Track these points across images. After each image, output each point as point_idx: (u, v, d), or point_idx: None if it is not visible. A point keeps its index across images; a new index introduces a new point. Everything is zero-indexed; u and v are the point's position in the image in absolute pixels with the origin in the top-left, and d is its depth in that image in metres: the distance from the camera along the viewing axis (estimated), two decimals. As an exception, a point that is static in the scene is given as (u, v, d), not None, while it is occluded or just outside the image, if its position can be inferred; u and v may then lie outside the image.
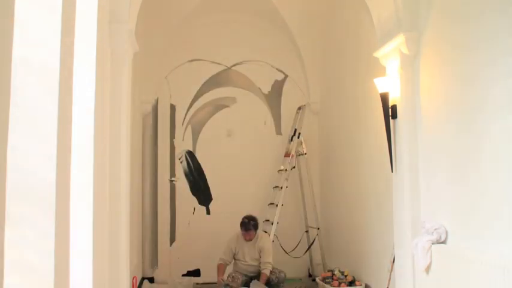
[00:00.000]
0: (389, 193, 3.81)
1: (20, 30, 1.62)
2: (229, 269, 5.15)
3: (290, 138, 5.95)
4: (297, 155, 5.98)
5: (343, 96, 5.46)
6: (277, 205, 5.65)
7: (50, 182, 1.65)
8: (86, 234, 2.47)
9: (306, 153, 5.96)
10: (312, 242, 5.93)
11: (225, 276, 4.96)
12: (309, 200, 6.12)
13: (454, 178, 3.00)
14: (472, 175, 2.80)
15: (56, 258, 1.65)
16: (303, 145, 5.93)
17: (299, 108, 6.14)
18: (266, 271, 4.86)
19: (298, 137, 5.92)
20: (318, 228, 5.83)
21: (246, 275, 5.02)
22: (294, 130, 5.99)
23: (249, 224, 4.99)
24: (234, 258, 5.10)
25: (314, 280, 5.62)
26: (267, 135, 6.43)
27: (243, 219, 5.06)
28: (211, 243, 5.92)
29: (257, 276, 4.95)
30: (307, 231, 6.00)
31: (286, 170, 5.82)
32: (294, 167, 5.97)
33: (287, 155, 5.87)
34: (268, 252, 4.98)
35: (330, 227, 5.97)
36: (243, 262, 5.05)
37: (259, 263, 4.96)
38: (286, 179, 5.77)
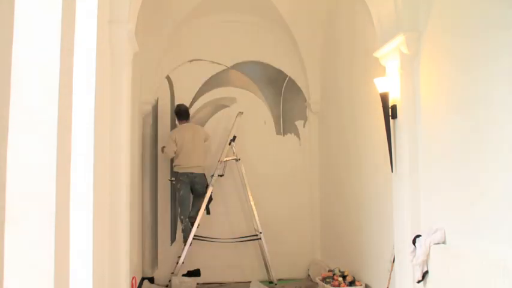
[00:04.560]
0: (389, 193, 3.81)
1: (20, 30, 1.62)
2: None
3: (229, 143, 5.93)
4: (235, 161, 5.92)
5: (343, 96, 5.46)
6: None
7: (50, 182, 1.65)
8: (86, 234, 2.47)
9: (239, 159, 5.89)
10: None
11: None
12: (246, 206, 6.04)
13: (454, 178, 3.00)
14: (472, 175, 2.80)
15: (56, 258, 1.65)
16: (233, 149, 5.87)
17: (241, 113, 6.04)
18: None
19: (230, 143, 5.88)
20: (260, 233, 5.80)
21: None
22: (233, 135, 5.92)
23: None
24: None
25: (271, 282, 5.72)
26: (267, 135, 6.43)
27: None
28: (212, 243, 5.93)
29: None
30: (256, 235, 5.88)
31: (212, 175, 5.83)
32: (222, 175, 5.91)
33: (220, 161, 5.87)
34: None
35: (330, 227, 5.97)
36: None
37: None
38: (212, 185, 5.78)
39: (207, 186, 5.82)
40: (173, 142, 5.72)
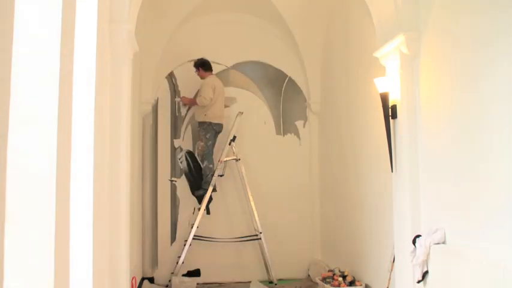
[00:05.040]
0: (389, 193, 3.81)
1: (20, 31, 1.62)
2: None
3: (229, 143, 5.93)
4: (235, 161, 5.92)
5: (343, 96, 5.46)
6: (198, 208, 5.83)
7: (50, 182, 1.65)
8: (86, 234, 2.48)
9: (239, 159, 5.89)
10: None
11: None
12: (246, 206, 6.03)
13: (454, 178, 3.00)
14: (472, 175, 2.80)
15: (56, 258, 1.65)
16: (234, 150, 5.88)
17: (241, 113, 6.05)
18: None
19: (230, 143, 5.88)
20: (260, 232, 5.80)
21: None
22: (233, 135, 5.92)
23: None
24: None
25: (271, 282, 5.74)
26: (267, 135, 6.43)
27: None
28: (212, 243, 5.93)
29: None
30: (256, 235, 5.88)
31: (212, 175, 5.82)
32: (222, 175, 5.91)
33: (220, 161, 5.87)
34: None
35: (330, 227, 5.98)
36: None
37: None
38: (212, 185, 5.78)
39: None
40: (212, 89, 5.71)
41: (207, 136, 5.81)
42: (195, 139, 6.25)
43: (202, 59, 5.94)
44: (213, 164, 5.90)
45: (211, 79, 5.84)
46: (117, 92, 3.24)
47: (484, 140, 2.67)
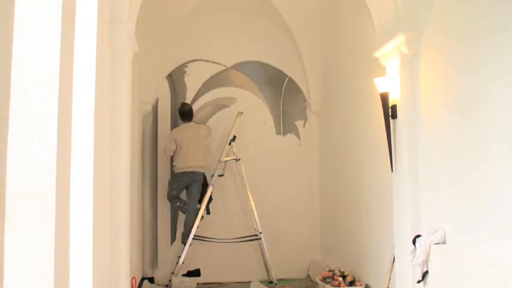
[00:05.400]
0: (389, 193, 3.81)
1: (20, 30, 1.62)
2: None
3: (229, 143, 5.93)
4: (235, 161, 5.92)
5: (343, 96, 5.46)
6: (198, 209, 5.80)
7: (50, 182, 1.65)
8: (86, 234, 2.48)
9: (239, 159, 5.89)
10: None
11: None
12: (246, 206, 6.03)
13: (454, 178, 3.00)
14: (472, 175, 2.80)
15: (56, 258, 1.65)
16: (234, 149, 5.88)
17: (241, 113, 6.05)
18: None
19: (230, 143, 5.88)
20: (260, 232, 5.80)
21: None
22: (233, 135, 5.92)
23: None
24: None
25: (271, 282, 5.72)
26: (267, 135, 6.43)
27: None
28: (212, 243, 5.93)
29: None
30: (256, 235, 5.87)
31: (212, 175, 5.84)
32: (222, 175, 5.91)
33: (220, 161, 5.87)
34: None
35: (330, 227, 5.98)
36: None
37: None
38: (212, 185, 5.79)
39: (206, 186, 5.81)
40: (173, 141, 5.70)
41: (173, 186, 5.78)
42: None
43: (182, 105, 5.90)
44: (183, 202, 5.80)
45: (176, 129, 5.81)
46: (117, 92, 3.24)
47: (484, 140, 2.67)
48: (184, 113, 5.84)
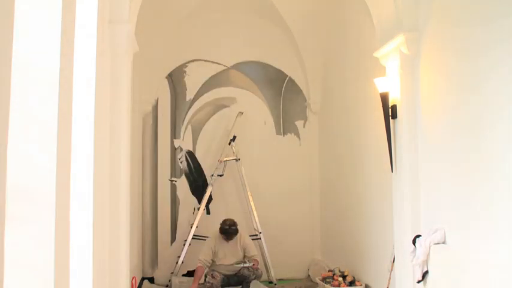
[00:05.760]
0: (389, 193, 3.81)
1: (20, 30, 1.62)
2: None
3: (228, 143, 5.92)
4: (235, 161, 5.92)
5: (343, 96, 5.46)
6: (198, 208, 5.79)
7: (50, 182, 1.65)
8: (86, 234, 2.47)
9: (239, 159, 5.89)
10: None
11: (203, 279, 5.23)
12: (245, 206, 6.02)
13: (454, 178, 3.00)
14: (472, 175, 2.79)
15: (56, 258, 1.65)
16: (233, 149, 5.88)
17: (241, 113, 6.05)
18: (257, 257, 5.29)
19: (230, 143, 5.88)
20: (260, 232, 5.79)
21: (224, 274, 5.19)
22: (233, 135, 5.91)
23: (229, 230, 5.23)
24: (213, 260, 5.25)
25: (271, 282, 5.70)
26: (267, 135, 6.43)
27: (223, 224, 5.26)
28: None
29: (234, 275, 5.18)
30: (256, 235, 5.83)
31: (212, 175, 5.82)
32: (222, 175, 5.91)
33: (219, 161, 5.87)
34: (252, 247, 5.36)
35: (330, 227, 5.98)
36: (223, 261, 5.22)
37: (241, 261, 5.23)
38: (212, 185, 5.79)
39: (205, 186, 5.75)
40: (210, 250, 5.24)
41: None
42: (195, 139, 6.26)
43: (225, 223, 5.27)
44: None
45: (217, 240, 5.30)
46: (117, 92, 3.24)
47: (485, 140, 2.67)
48: (227, 233, 5.25)
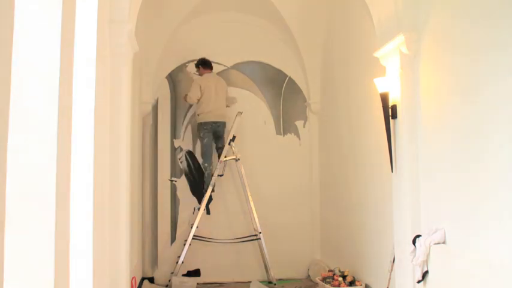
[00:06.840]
0: (389, 193, 3.81)
1: (20, 30, 1.62)
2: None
3: (228, 143, 5.92)
4: (235, 160, 5.91)
5: (343, 96, 5.46)
6: (198, 208, 5.84)
7: (50, 182, 1.65)
8: (86, 234, 2.48)
9: (239, 159, 5.89)
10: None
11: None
12: (245, 206, 6.02)
13: (454, 178, 3.00)
14: (472, 175, 2.79)
15: (55, 258, 1.65)
16: (233, 149, 5.88)
17: (240, 113, 6.04)
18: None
19: (229, 143, 5.88)
20: (260, 233, 5.79)
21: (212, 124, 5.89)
22: (232, 135, 5.91)
23: (206, 60, 5.95)
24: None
25: (270, 282, 5.71)
26: (267, 135, 6.43)
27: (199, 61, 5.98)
28: (211, 243, 5.92)
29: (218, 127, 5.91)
30: (256, 235, 5.87)
31: (212, 175, 5.82)
32: (222, 175, 5.91)
33: (219, 161, 5.88)
34: None
35: (330, 227, 5.98)
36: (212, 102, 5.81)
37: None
38: (211, 185, 5.78)
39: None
40: (198, 88, 5.76)
41: (201, 135, 5.90)
42: (195, 139, 6.26)
43: (203, 58, 5.99)
44: (212, 164, 5.90)
45: (201, 77, 5.88)
46: (117, 92, 3.24)
47: (484, 140, 2.67)
48: (206, 62, 5.94)
